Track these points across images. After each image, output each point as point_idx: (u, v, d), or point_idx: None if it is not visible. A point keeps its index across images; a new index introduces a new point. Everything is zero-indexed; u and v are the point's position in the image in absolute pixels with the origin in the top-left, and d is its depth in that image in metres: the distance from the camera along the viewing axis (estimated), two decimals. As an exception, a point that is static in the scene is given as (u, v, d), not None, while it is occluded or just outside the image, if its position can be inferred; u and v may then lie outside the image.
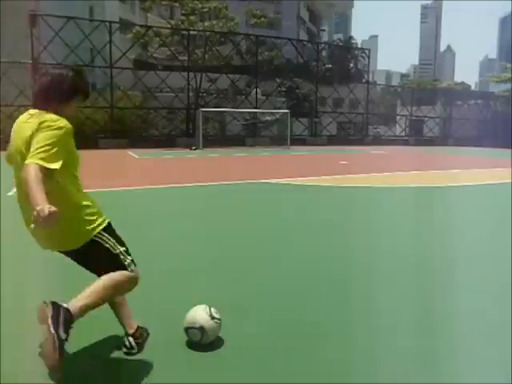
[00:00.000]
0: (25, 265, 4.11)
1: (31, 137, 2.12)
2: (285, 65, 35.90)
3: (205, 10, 31.50)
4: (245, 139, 28.74)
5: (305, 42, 40.73)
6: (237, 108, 29.05)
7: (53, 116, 2.17)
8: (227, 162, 17.21)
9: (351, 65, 46.02)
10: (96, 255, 2.30)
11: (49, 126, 2.12)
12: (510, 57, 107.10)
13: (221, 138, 28.81)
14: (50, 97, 2.25)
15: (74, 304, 2.15)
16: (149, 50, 30.68)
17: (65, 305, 2.10)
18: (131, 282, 2.32)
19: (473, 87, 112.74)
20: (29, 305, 3.17)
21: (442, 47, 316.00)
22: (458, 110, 41.78)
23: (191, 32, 28.75)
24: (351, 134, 36.74)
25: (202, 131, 25.08)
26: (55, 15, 24.24)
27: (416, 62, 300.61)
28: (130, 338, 2.45)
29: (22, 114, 2.52)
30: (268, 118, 30.94)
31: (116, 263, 2.29)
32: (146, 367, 2.31)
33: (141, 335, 2.50)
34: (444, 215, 7.03)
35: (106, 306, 2.55)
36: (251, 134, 30.01)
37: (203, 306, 2.61)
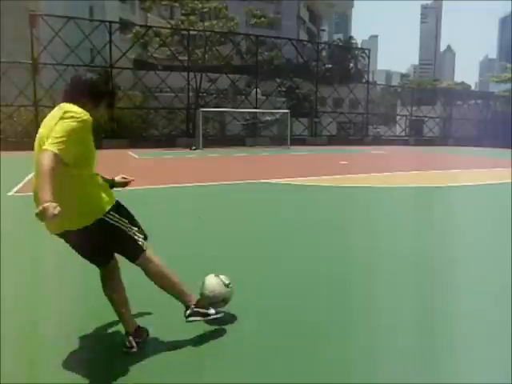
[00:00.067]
0: (25, 265, 4.10)
1: (55, 125, 2.20)
2: (285, 65, 35.89)
3: (205, 10, 31.47)
4: (245, 139, 28.73)
5: (305, 42, 40.73)
6: (237, 108, 29.05)
7: (78, 109, 2.27)
8: (227, 161, 17.21)
9: (351, 65, 46.02)
10: (106, 234, 2.37)
11: (72, 117, 2.21)
12: (510, 57, 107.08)
13: (221, 138, 28.81)
14: (77, 97, 2.35)
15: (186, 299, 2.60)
16: (149, 50, 30.66)
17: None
18: (156, 259, 2.53)
19: (473, 87, 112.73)
20: (29, 305, 3.17)
21: (442, 47, 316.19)
22: (458, 109, 41.78)
23: (191, 32, 28.74)
24: (351, 133, 36.74)
25: (202, 131, 25.08)
26: (55, 15, 24.26)
27: (416, 62, 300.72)
28: (130, 338, 2.48)
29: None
30: (268, 117, 30.95)
31: (129, 242, 2.42)
32: (145, 367, 2.31)
33: (141, 335, 2.53)
34: (444, 215, 7.03)
35: (108, 306, 2.56)
36: (251, 134, 30.00)
37: (216, 280, 2.81)
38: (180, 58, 28.73)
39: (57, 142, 2.10)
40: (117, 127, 24.96)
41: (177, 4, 32.44)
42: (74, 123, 2.19)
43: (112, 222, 2.36)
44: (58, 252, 4.52)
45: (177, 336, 2.64)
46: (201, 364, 2.38)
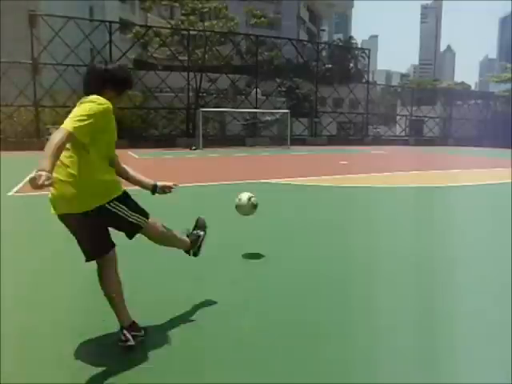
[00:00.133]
0: (25, 265, 4.10)
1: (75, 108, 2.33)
2: (285, 65, 35.89)
3: (205, 10, 31.46)
4: (245, 139, 28.73)
5: (305, 42, 40.74)
6: (237, 108, 29.05)
7: (100, 97, 2.39)
8: (227, 161, 17.21)
9: (351, 65, 46.01)
10: (111, 221, 2.47)
11: (91, 101, 2.33)
12: (510, 57, 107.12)
13: (221, 138, 28.81)
14: (101, 88, 2.47)
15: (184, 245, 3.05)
16: (149, 50, 30.65)
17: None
18: (159, 226, 2.75)
19: (473, 87, 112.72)
20: (29, 305, 3.17)
21: (442, 47, 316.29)
22: (458, 110, 41.78)
23: (191, 32, 28.74)
24: (351, 133, 36.74)
25: (202, 131, 25.08)
26: (55, 15, 24.25)
27: (416, 62, 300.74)
28: (125, 331, 2.49)
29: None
30: (268, 118, 30.95)
31: (129, 226, 2.53)
32: (143, 367, 2.31)
33: (136, 329, 2.54)
34: (444, 215, 7.03)
35: (107, 305, 2.56)
36: (251, 134, 30.00)
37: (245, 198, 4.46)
38: (180, 58, 28.72)
39: (73, 121, 2.21)
40: (117, 127, 24.95)
41: (177, 4, 32.43)
42: (93, 105, 2.30)
43: (114, 210, 2.42)
44: (58, 252, 4.52)
45: (176, 336, 2.64)
46: (200, 364, 2.38)
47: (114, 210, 2.42)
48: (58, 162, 2.27)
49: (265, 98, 30.82)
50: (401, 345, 2.62)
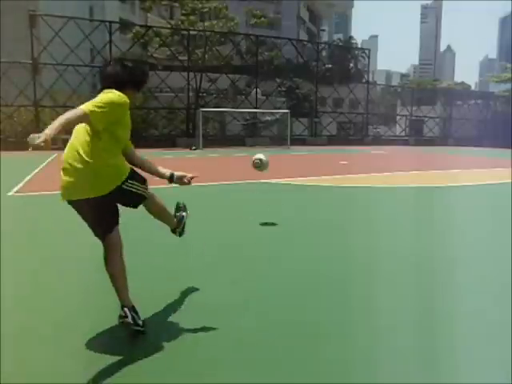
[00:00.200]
0: (25, 264, 4.10)
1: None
2: (285, 65, 35.90)
3: (205, 10, 31.48)
4: (245, 139, 28.73)
5: (305, 42, 40.77)
6: (237, 108, 29.06)
7: (119, 92, 2.55)
8: (227, 161, 17.21)
9: (351, 65, 46.01)
10: (125, 199, 2.66)
11: (113, 92, 2.51)
12: (510, 57, 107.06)
13: (221, 138, 28.83)
14: (122, 86, 2.60)
15: (172, 223, 3.19)
16: (149, 50, 30.66)
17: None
18: (157, 196, 2.95)
19: (473, 87, 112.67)
20: (29, 305, 3.17)
21: (442, 47, 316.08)
22: (458, 110, 41.80)
23: (191, 32, 28.75)
24: (351, 133, 36.76)
25: (202, 131, 25.09)
26: (55, 15, 24.24)
27: (416, 62, 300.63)
28: (126, 308, 2.56)
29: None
30: (268, 118, 30.95)
31: (138, 198, 2.74)
32: (143, 366, 2.31)
33: (135, 312, 2.62)
34: (444, 215, 7.02)
35: (107, 305, 2.56)
36: (251, 134, 30.01)
37: (261, 155, 6.04)
38: (180, 58, 28.74)
39: (91, 105, 2.36)
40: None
41: (177, 4, 32.45)
42: (113, 96, 2.47)
43: (129, 188, 2.60)
44: (58, 252, 4.52)
45: (176, 336, 2.64)
46: (200, 364, 2.38)
47: (129, 188, 2.60)
48: (74, 151, 2.46)
49: (265, 98, 30.83)
50: (401, 345, 2.62)
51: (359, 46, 70.39)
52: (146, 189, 2.77)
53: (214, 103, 29.46)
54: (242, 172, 13.25)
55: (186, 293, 3.35)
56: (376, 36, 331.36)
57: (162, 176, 2.98)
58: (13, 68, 22.85)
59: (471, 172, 14.03)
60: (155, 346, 2.52)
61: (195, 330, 2.72)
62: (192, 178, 3.02)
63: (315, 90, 32.63)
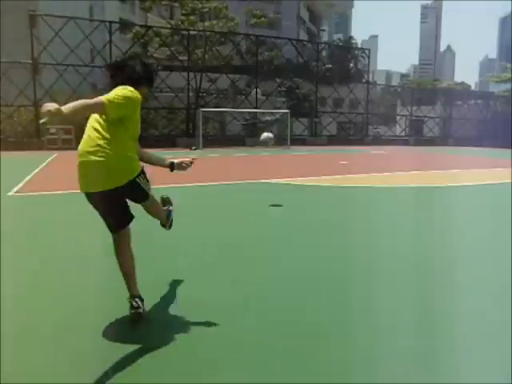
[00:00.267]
0: (25, 264, 4.10)
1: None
2: (285, 65, 35.90)
3: (205, 10, 31.49)
4: (245, 139, 28.73)
5: (305, 42, 40.78)
6: (237, 108, 29.06)
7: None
8: (227, 161, 17.21)
9: (351, 65, 46.01)
10: (136, 193, 2.80)
11: (129, 89, 2.65)
12: (510, 57, 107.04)
13: (221, 138, 28.82)
14: (136, 84, 2.75)
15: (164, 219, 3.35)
16: (149, 50, 30.65)
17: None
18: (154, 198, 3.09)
19: (473, 87, 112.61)
20: (29, 305, 3.17)
21: (442, 47, 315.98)
22: (458, 110, 41.80)
23: (191, 32, 28.75)
24: (351, 133, 36.76)
25: (202, 131, 25.09)
26: (55, 15, 24.24)
27: (416, 62, 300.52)
28: (137, 299, 2.80)
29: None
30: (268, 118, 30.94)
31: (144, 195, 2.88)
32: (142, 366, 2.31)
33: (143, 301, 2.86)
34: (444, 215, 7.02)
35: (106, 305, 2.56)
36: (251, 134, 30.00)
37: (269, 134, 8.09)
38: (180, 57, 28.73)
39: (109, 96, 2.51)
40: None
41: (177, 4, 32.47)
42: (129, 92, 2.62)
43: (140, 183, 2.75)
44: (58, 252, 4.52)
45: (175, 335, 2.64)
46: (200, 364, 2.38)
47: (140, 182, 2.76)
48: (91, 145, 2.59)
49: (265, 98, 30.83)
50: (401, 345, 2.62)
51: (359, 45, 70.39)
52: (149, 188, 2.88)
53: (214, 103, 29.46)
54: (242, 172, 13.27)
55: (186, 293, 3.34)
56: (376, 36, 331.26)
57: (162, 164, 3.16)
58: (13, 68, 22.84)
59: (471, 172, 14.03)
60: (155, 345, 2.52)
61: (195, 330, 2.72)
62: (191, 161, 3.24)
63: (315, 90, 32.63)
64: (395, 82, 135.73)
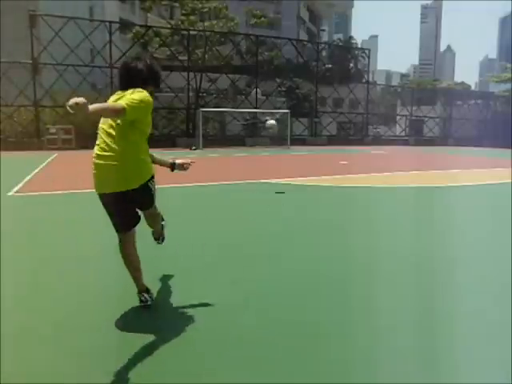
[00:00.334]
0: (25, 264, 4.10)
1: (131, 94, 2.74)
2: (285, 65, 35.88)
3: (205, 10, 31.46)
4: (245, 139, 28.72)
5: (305, 42, 40.75)
6: (237, 108, 29.04)
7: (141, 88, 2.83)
8: (227, 161, 17.21)
9: (351, 65, 46.00)
10: (145, 197, 2.94)
11: (141, 91, 2.78)
12: (510, 57, 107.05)
13: (221, 138, 28.81)
14: (144, 85, 2.88)
15: (159, 232, 3.45)
16: (149, 50, 30.62)
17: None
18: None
19: (473, 87, 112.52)
20: (29, 305, 3.17)
21: (442, 47, 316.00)
22: (458, 110, 41.78)
23: (191, 32, 28.73)
24: (351, 133, 36.73)
25: (202, 131, 25.08)
26: (55, 15, 24.22)
27: (416, 62, 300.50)
28: (144, 294, 2.99)
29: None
30: (268, 118, 30.92)
31: (153, 201, 3.05)
32: (142, 366, 2.31)
33: (149, 293, 3.05)
34: (444, 215, 7.03)
35: (106, 304, 2.56)
36: (251, 134, 29.99)
37: (273, 121, 10.77)
38: (180, 57, 28.71)
39: (127, 100, 2.62)
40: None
41: (177, 4, 32.42)
42: (143, 96, 2.74)
43: (151, 187, 2.91)
44: (58, 252, 4.52)
45: (175, 335, 2.64)
46: (200, 363, 2.38)
47: (151, 187, 2.91)
48: (106, 147, 2.70)
49: (265, 98, 30.81)
50: (401, 345, 2.62)
51: (359, 45, 70.38)
52: (155, 195, 3.01)
53: (214, 103, 29.44)
54: (242, 172, 13.26)
55: (186, 292, 3.35)
56: (376, 36, 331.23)
57: (164, 165, 3.31)
58: (13, 68, 22.82)
59: (471, 172, 14.03)
60: (155, 345, 2.52)
61: (195, 330, 2.72)
62: (190, 163, 3.41)
63: (315, 90, 32.61)
64: (395, 82, 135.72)
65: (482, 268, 4.16)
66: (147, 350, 2.47)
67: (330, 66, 41.00)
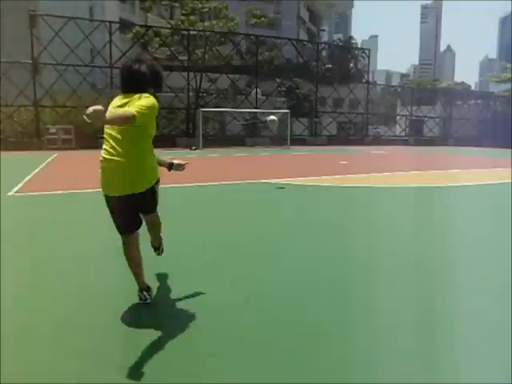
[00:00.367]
0: (25, 264, 4.10)
1: (139, 99, 2.83)
2: (285, 65, 35.86)
3: (205, 10, 31.45)
4: (245, 139, 28.71)
5: (305, 42, 40.74)
6: (237, 108, 29.03)
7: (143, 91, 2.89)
8: (227, 161, 17.21)
9: (351, 65, 45.99)
10: (149, 201, 2.99)
11: (148, 97, 2.87)
12: (510, 57, 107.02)
13: (221, 138, 28.80)
14: (148, 87, 3.00)
15: (158, 241, 3.44)
16: (149, 50, 30.63)
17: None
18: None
19: (473, 87, 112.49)
20: (29, 305, 3.17)
21: (442, 47, 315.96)
22: (458, 110, 41.77)
23: (191, 32, 28.72)
24: (351, 133, 36.72)
25: (202, 131, 25.07)
26: (55, 15, 24.22)
27: (416, 62, 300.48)
28: (144, 292, 3.05)
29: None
30: (268, 118, 30.89)
31: (156, 205, 3.10)
32: (142, 366, 2.31)
33: (151, 293, 3.13)
34: (444, 215, 7.03)
35: (106, 304, 2.56)
36: (251, 134, 29.99)
37: (274, 117, 10.89)
38: (180, 57, 28.69)
39: (137, 107, 2.67)
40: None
41: (177, 4, 32.41)
42: (150, 101, 2.85)
43: (156, 190, 2.97)
44: (58, 252, 4.52)
45: (175, 335, 2.64)
46: (200, 363, 2.38)
47: (157, 190, 2.97)
48: (113, 152, 2.75)
49: (265, 98, 30.80)
50: (401, 345, 2.62)
51: (359, 45, 70.37)
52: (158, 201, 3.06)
53: (214, 103, 29.43)
54: (242, 172, 13.26)
55: (186, 292, 3.34)
56: (376, 36, 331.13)
57: (162, 165, 3.32)
58: (13, 68, 22.81)
59: (471, 172, 14.03)
60: (155, 345, 2.52)
61: (195, 330, 2.72)
62: (186, 163, 3.47)
63: (315, 90, 32.60)
64: (395, 82, 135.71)
65: (481, 268, 4.16)
66: (147, 350, 2.47)
67: (330, 66, 41.00)
